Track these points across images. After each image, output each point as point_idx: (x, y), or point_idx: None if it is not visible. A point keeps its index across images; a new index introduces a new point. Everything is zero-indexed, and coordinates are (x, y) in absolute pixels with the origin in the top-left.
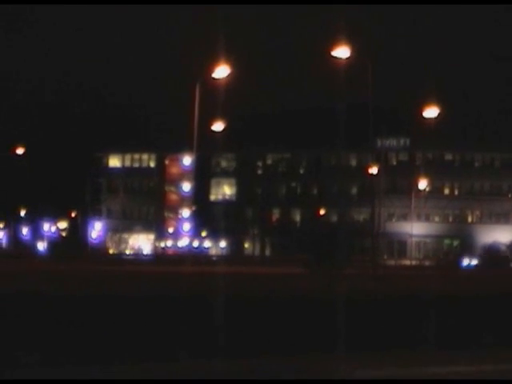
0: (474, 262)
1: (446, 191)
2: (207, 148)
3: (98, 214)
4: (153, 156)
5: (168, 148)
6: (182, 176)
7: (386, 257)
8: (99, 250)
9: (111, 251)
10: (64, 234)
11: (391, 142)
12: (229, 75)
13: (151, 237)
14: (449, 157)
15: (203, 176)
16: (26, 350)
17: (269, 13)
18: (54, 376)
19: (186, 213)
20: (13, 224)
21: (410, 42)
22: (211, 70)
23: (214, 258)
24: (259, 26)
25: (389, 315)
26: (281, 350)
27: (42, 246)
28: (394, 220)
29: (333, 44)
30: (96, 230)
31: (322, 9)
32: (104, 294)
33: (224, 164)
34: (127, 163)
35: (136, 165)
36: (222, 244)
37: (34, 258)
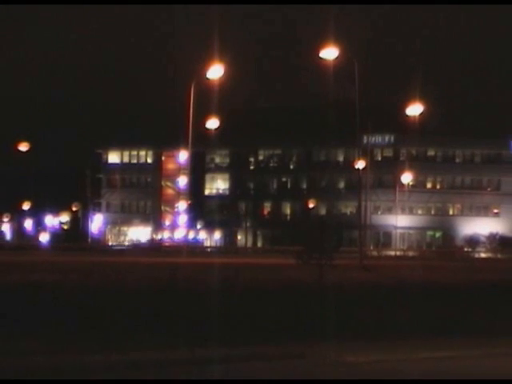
0: None
1: (429, 185)
2: (202, 144)
3: (97, 208)
4: (150, 152)
5: (164, 145)
6: (178, 171)
7: (372, 248)
8: (99, 242)
9: (109, 243)
10: (65, 226)
11: (377, 139)
12: (222, 74)
13: (149, 229)
14: (431, 152)
15: (198, 171)
16: (28, 338)
17: (260, 11)
18: (55, 365)
19: (181, 206)
20: (17, 217)
21: (394, 40)
22: (205, 69)
23: (209, 250)
24: (250, 24)
25: (378, 303)
26: (275, 338)
27: (44, 238)
28: (379, 213)
29: (321, 43)
30: (96, 223)
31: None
32: (103, 283)
33: (218, 160)
34: (125, 159)
35: (134, 161)
36: (217, 236)
37: (37, 250)
